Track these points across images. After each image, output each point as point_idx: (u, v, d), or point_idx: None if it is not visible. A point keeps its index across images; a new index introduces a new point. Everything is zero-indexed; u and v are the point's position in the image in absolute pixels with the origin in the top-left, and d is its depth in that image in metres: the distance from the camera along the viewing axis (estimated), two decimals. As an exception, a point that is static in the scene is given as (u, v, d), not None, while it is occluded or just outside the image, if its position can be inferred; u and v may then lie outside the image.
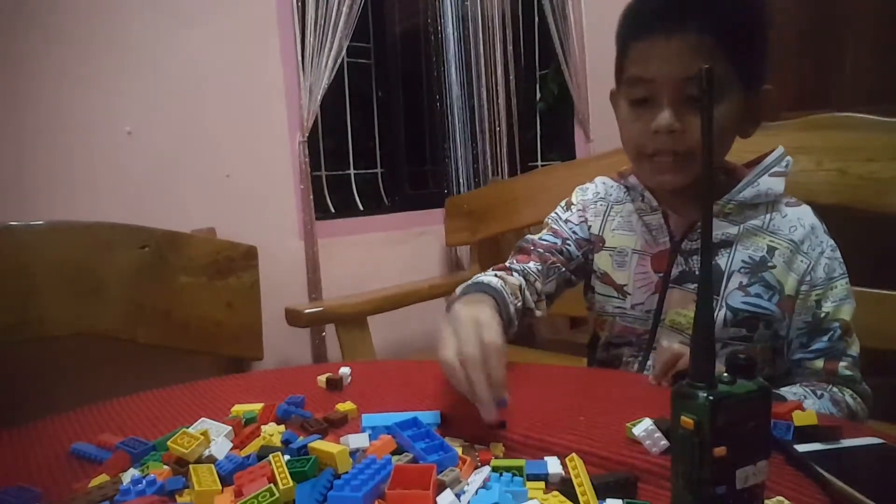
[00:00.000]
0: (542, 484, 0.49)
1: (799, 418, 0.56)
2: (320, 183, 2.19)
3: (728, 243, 0.81)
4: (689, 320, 0.81)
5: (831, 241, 0.82)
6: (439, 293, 2.00)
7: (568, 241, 0.93)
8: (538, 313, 0.86)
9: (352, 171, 2.36)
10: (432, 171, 2.50)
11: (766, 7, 0.77)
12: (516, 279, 0.84)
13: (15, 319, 1.21)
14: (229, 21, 1.78)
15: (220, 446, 0.57)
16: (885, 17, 2.24)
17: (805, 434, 0.55)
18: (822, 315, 0.79)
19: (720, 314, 0.79)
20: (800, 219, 0.81)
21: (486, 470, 0.49)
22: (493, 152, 2.44)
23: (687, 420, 0.38)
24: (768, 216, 0.81)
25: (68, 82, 1.52)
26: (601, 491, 0.46)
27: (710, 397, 0.37)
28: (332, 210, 2.22)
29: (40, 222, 1.27)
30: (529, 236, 0.94)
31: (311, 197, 1.96)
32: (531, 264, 0.89)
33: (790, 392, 0.76)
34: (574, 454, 0.52)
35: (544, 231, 0.95)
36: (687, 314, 0.82)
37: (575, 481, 0.47)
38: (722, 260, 0.81)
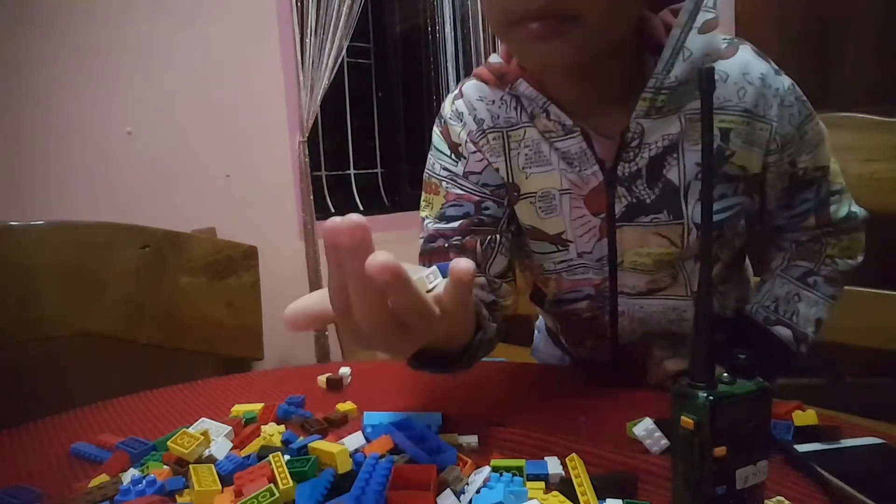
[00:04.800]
0: (542, 484, 0.49)
1: (799, 418, 0.56)
2: (320, 183, 2.20)
3: (673, 147, 0.63)
4: (654, 258, 0.67)
5: (786, 81, 0.64)
6: (439, 293, 1.99)
7: (483, 203, 0.68)
8: (506, 301, 0.70)
9: (352, 171, 2.36)
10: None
11: None
12: None
13: (15, 319, 1.20)
14: (229, 21, 1.78)
15: (220, 446, 0.57)
16: (885, 17, 2.24)
17: (805, 434, 0.55)
18: (801, 172, 0.67)
19: (690, 236, 0.65)
20: (745, 74, 0.62)
21: (486, 470, 0.49)
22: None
23: (687, 420, 0.38)
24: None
25: (68, 82, 1.52)
26: (601, 491, 0.46)
27: (710, 397, 0.37)
28: (332, 210, 2.22)
29: (40, 222, 1.27)
30: (431, 225, 0.70)
31: (311, 197, 1.96)
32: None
33: (781, 290, 0.71)
34: (574, 454, 0.52)
35: (444, 202, 0.70)
36: (650, 252, 0.66)
37: (575, 481, 0.47)
38: (672, 172, 0.64)
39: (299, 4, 1.91)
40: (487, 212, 0.69)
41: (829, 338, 0.86)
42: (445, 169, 0.71)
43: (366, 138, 2.42)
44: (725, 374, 0.39)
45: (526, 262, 0.77)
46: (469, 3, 2.40)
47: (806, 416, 0.56)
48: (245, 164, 1.83)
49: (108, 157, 1.58)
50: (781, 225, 0.73)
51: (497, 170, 0.69)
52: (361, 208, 2.35)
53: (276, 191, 1.92)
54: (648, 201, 0.65)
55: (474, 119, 0.69)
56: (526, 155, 0.67)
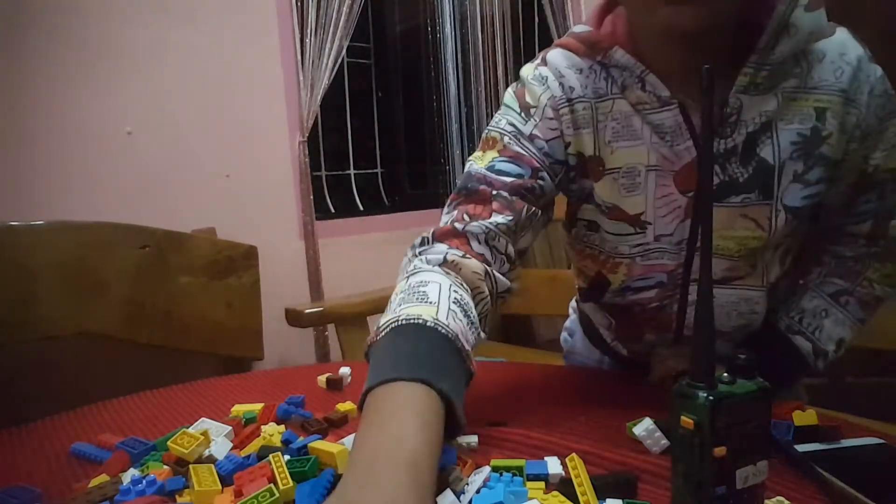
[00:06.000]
0: (542, 484, 0.49)
1: (799, 418, 0.56)
2: (320, 183, 2.19)
3: (768, 125, 0.61)
4: (738, 243, 0.64)
5: (878, 70, 0.62)
6: (439, 293, 1.99)
7: (541, 172, 0.64)
8: (515, 287, 0.64)
9: (352, 171, 2.36)
10: (432, 171, 2.50)
11: None
12: (472, 263, 0.59)
13: (15, 319, 1.20)
14: (229, 21, 1.78)
15: (220, 446, 0.57)
16: (886, 17, 2.24)
17: (805, 434, 0.55)
18: (871, 169, 0.63)
19: (778, 219, 0.62)
20: (842, 55, 0.60)
21: (486, 470, 0.49)
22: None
23: (687, 420, 0.38)
24: (805, 65, 0.60)
25: (69, 82, 1.52)
26: (601, 491, 0.46)
27: (710, 397, 0.37)
28: (332, 210, 2.22)
29: (40, 222, 1.27)
30: (477, 167, 0.64)
31: (311, 197, 1.96)
32: (496, 218, 0.61)
33: (810, 304, 0.69)
34: (574, 454, 0.51)
35: (498, 156, 0.64)
36: (734, 235, 0.63)
37: (575, 481, 0.47)
38: (766, 151, 0.61)
39: (299, 4, 1.91)
40: (542, 182, 0.64)
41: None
42: (511, 125, 0.66)
43: (366, 138, 2.42)
44: (725, 374, 0.39)
45: (588, 251, 0.72)
46: (468, 2, 2.40)
47: (806, 416, 0.56)
48: (245, 164, 1.83)
49: (108, 157, 1.58)
50: (836, 225, 0.70)
51: (568, 144, 0.65)
52: (361, 208, 2.35)
53: (276, 191, 1.92)
54: (741, 180, 0.62)
55: (561, 86, 0.65)
56: (613, 128, 0.64)
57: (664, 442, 0.54)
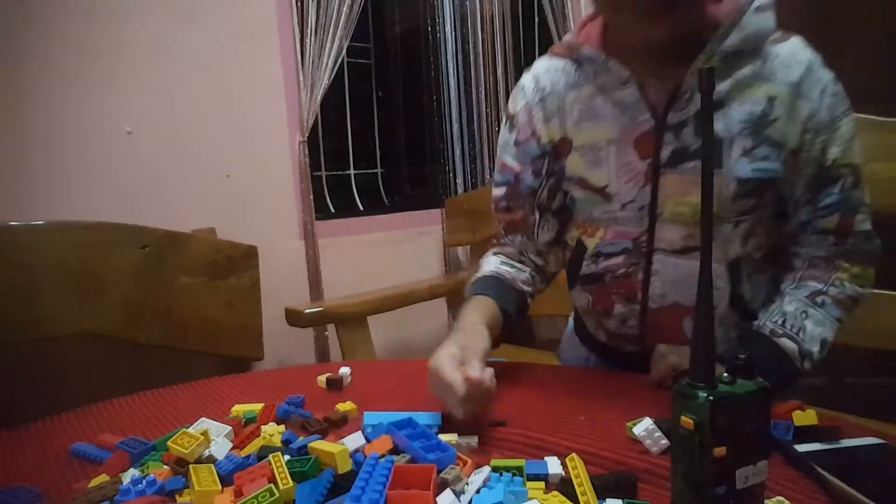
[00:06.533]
0: (542, 484, 0.49)
1: (799, 418, 0.56)
2: (320, 183, 2.19)
3: (720, 103, 0.70)
4: (694, 208, 0.71)
5: (830, 74, 0.72)
6: (439, 293, 1.99)
7: (522, 175, 0.82)
8: (551, 268, 0.88)
9: (352, 171, 2.36)
10: (432, 171, 2.50)
11: None
12: (522, 260, 0.85)
13: (15, 319, 1.20)
14: (229, 21, 1.78)
15: (220, 446, 0.57)
16: (885, 17, 2.24)
17: (805, 434, 0.55)
18: (829, 163, 0.71)
19: (728, 189, 0.71)
20: (794, 55, 0.71)
21: (486, 470, 0.49)
22: (493, 152, 2.45)
23: (687, 420, 0.38)
24: (759, 62, 0.70)
25: (68, 82, 1.52)
26: (601, 491, 0.46)
27: (710, 397, 0.37)
28: (332, 210, 2.22)
29: (40, 222, 1.27)
30: (494, 193, 0.86)
31: (311, 197, 1.96)
32: (510, 237, 0.87)
33: (790, 307, 0.73)
34: (574, 454, 0.52)
35: (497, 173, 0.86)
36: (689, 201, 0.72)
37: (575, 481, 0.47)
38: (718, 125, 0.69)
39: (299, 4, 1.91)
40: (525, 181, 0.81)
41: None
42: (503, 138, 0.84)
43: (366, 138, 2.42)
44: (725, 374, 0.39)
45: (570, 218, 0.84)
46: (469, 2, 2.40)
47: (806, 416, 0.56)
48: (245, 164, 1.83)
49: (107, 156, 1.58)
50: (805, 222, 0.75)
51: (540, 139, 0.80)
52: (361, 208, 2.35)
53: (276, 191, 1.92)
54: (692, 149, 0.71)
55: (535, 88, 0.80)
56: (580, 110, 0.76)
57: (664, 442, 0.54)
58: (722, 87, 0.69)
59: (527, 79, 0.82)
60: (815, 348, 0.71)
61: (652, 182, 0.73)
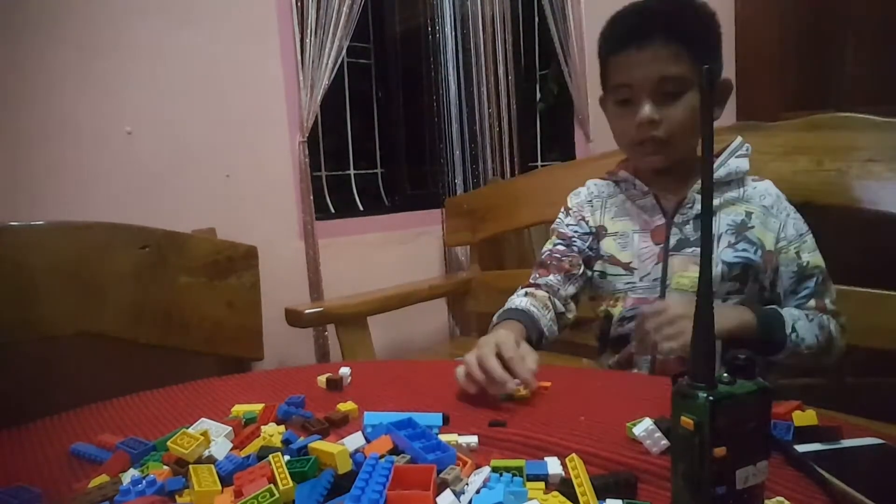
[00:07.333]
0: (542, 484, 0.49)
1: (799, 418, 0.56)
2: (320, 183, 2.19)
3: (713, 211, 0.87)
4: (692, 280, 0.93)
5: (792, 207, 0.99)
6: (439, 293, 1.99)
7: (574, 240, 1.06)
8: (569, 316, 1.03)
9: (352, 171, 2.36)
10: (432, 171, 2.50)
11: (715, 15, 0.94)
12: (543, 292, 1.00)
13: (15, 319, 1.20)
14: (229, 21, 1.78)
15: (220, 446, 0.57)
16: (885, 17, 2.24)
17: (805, 434, 0.55)
18: (805, 264, 0.95)
19: (717, 270, 0.93)
20: (766, 189, 0.98)
21: (486, 470, 0.49)
22: (493, 152, 2.44)
23: (687, 420, 0.38)
24: (741, 189, 0.98)
25: (68, 82, 1.52)
26: (601, 491, 0.46)
27: (710, 398, 0.37)
28: (332, 210, 2.22)
29: (40, 222, 1.27)
30: (547, 248, 1.09)
31: (311, 197, 1.96)
32: (552, 277, 1.03)
33: (788, 313, 0.89)
34: (574, 454, 0.52)
35: (553, 238, 1.09)
36: (689, 275, 0.94)
37: (575, 481, 0.47)
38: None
39: (299, 4, 1.90)
40: (574, 244, 1.06)
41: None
42: (560, 220, 1.10)
43: (366, 138, 2.42)
44: (725, 375, 0.39)
45: (599, 291, 1.05)
46: (469, 3, 2.40)
47: (806, 416, 0.56)
48: (245, 164, 1.83)
49: (107, 156, 1.58)
50: (792, 307, 0.94)
51: (588, 223, 1.07)
52: (361, 208, 2.35)
53: (276, 191, 1.92)
54: (692, 239, 0.96)
55: (587, 193, 1.10)
56: (615, 210, 1.05)
57: (664, 442, 0.54)
58: (714, 201, 0.84)
59: (581, 189, 1.11)
60: (797, 334, 0.87)
61: (663, 261, 0.96)
